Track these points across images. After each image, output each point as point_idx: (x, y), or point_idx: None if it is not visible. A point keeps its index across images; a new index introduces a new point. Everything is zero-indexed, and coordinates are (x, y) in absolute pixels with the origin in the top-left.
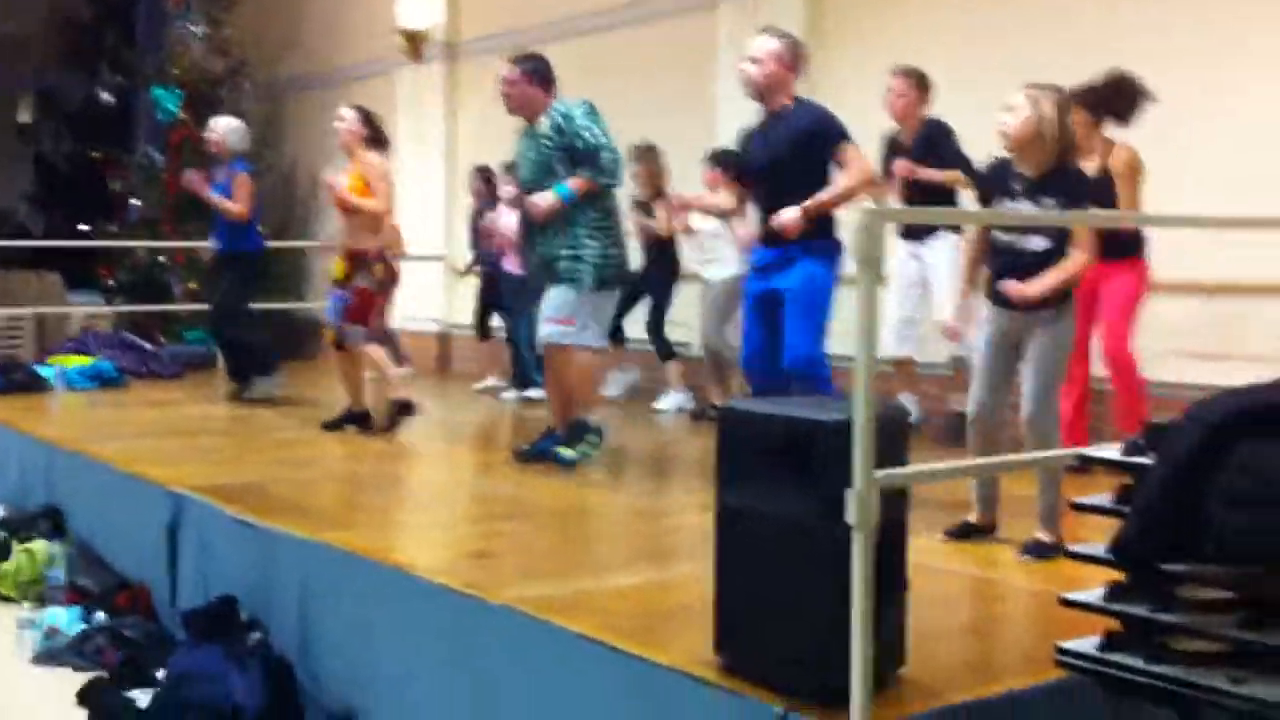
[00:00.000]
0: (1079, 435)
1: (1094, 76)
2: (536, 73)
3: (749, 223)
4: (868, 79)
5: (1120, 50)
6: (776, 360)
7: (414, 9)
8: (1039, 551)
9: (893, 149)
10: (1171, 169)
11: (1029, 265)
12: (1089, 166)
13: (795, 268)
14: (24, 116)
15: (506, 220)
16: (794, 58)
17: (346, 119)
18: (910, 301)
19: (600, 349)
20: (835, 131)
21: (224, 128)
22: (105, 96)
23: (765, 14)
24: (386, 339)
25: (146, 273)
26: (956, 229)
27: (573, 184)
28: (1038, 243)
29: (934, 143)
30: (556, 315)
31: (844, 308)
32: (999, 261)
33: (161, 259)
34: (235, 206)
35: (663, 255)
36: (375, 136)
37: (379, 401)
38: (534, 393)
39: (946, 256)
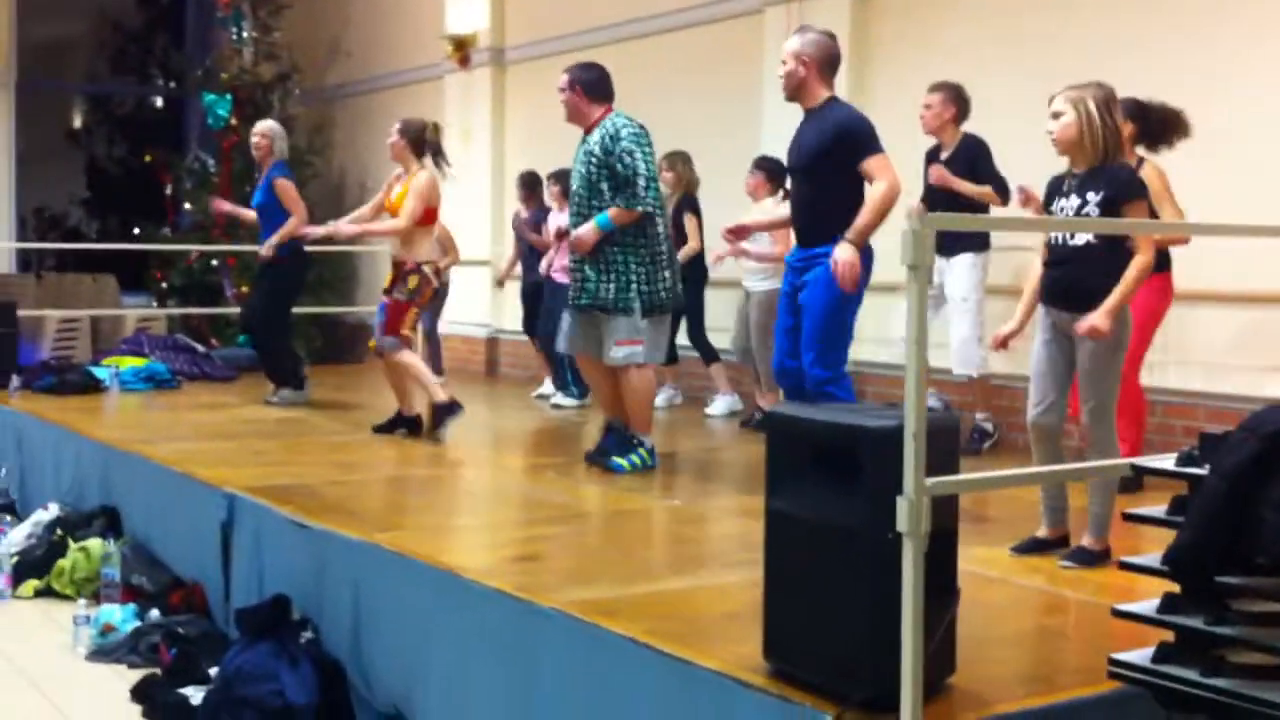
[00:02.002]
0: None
1: (1150, 100)
2: (585, 83)
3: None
4: (916, 83)
5: (1167, 63)
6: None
7: (461, 15)
8: (1083, 559)
9: (931, 162)
10: (1211, 176)
11: (1070, 259)
12: None
13: (814, 274)
14: (76, 121)
15: (555, 224)
16: (821, 55)
17: (394, 133)
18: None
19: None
20: (863, 141)
21: (270, 130)
22: (157, 101)
23: (810, 20)
24: (432, 346)
25: (199, 276)
26: (979, 249)
27: (612, 214)
28: (1080, 237)
29: (972, 160)
30: (623, 338)
31: (874, 315)
32: (1049, 257)
33: (213, 262)
34: (295, 221)
35: (693, 263)
36: (420, 147)
37: (425, 406)
38: (564, 400)
39: (965, 275)
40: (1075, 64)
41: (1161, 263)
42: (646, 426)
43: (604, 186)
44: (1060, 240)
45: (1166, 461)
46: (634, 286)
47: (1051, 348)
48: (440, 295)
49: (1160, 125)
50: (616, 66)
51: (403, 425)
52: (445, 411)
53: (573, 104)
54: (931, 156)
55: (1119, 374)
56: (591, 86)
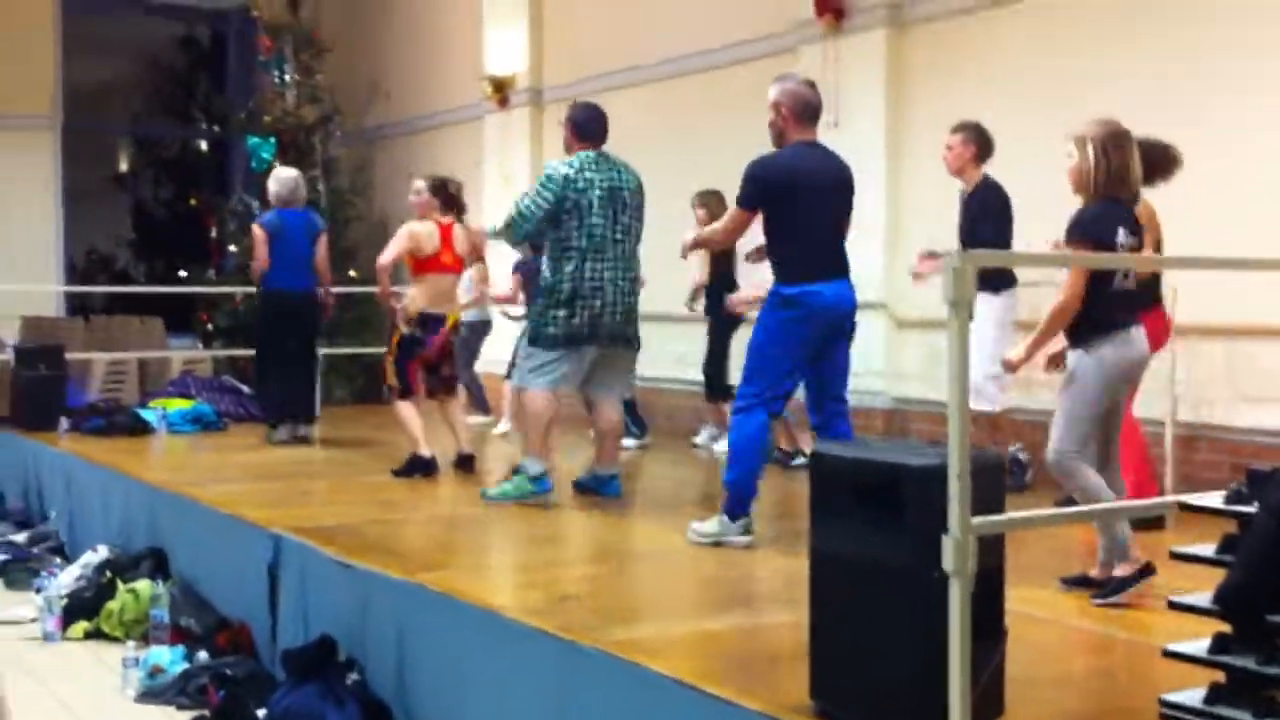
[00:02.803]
0: (1145, 485)
1: (1146, 138)
2: (572, 121)
3: None
4: (952, 112)
5: (1206, 96)
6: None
7: (500, 56)
8: (1108, 591)
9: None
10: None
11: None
12: None
13: None
14: (122, 165)
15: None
16: (797, 104)
17: (419, 190)
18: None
19: (549, 392)
20: (741, 185)
21: (271, 181)
22: (201, 145)
23: (846, 57)
24: (475, 390)
25: (243, 317)
26: (997, 290)
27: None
28: (1059, 277)
29: (987, 205)
30: (521, 360)
31: (919, 352)
32: None
33: (258, 304)
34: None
35: (716, 297)
36: (447, 202)
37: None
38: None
39: (987, 316)
40: (1108, 94)
41: (1146, 301)
42: (534, 448)
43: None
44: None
45: (1215, 499)
46: (532, 313)
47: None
48: (420, 340)
49: (1147, 164)
50: (652, 105)
51: (459, 465)
52: (418, 466)
53: (565, 139)
54: (962, 198)
55: (1081, 420)
56: (579, 126)
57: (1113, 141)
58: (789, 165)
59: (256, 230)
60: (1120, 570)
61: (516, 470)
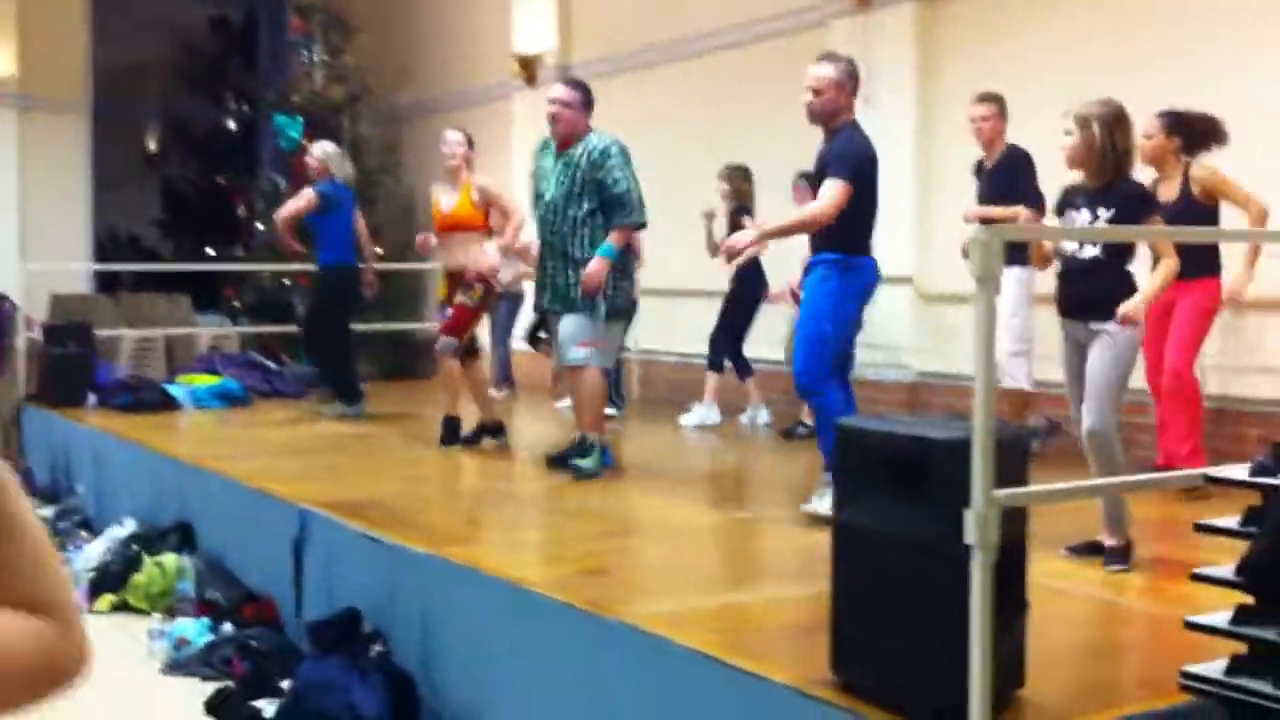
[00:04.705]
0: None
1: (1189, 110)
2: (587, 99)
3: None
4: (981, 89)
5: (1230, 76)
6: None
7: (529, 34)
8: (1114, 558)
9: (980, 175)
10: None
11: (1083, 272)
12: (1169, 187)
13: (809, 278)
14: (151, 145)
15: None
16: (855, 82)
17: (451, 142)
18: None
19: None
20: (835, 164)
21: (320, 151)
22: (230, 124)
23: (876, 32)
24: (501, 355)
25: (270, 294)
26: (1023, 263)
27: (614, 239)
28: (1089, 251)
29: (1013, 174)
30: (586, 340)
31: (938, 326)
32: (1062, 269)
33: (285, 281)
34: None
35: (749, 274)
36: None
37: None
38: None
39: (1010, 289)
40: (1143, 68)
41: (1213, 266)
42: (598, 427)
43: (585, 200)
44: (1071, 253)
45: (1240, 472)
46: (601, 290)
47: (1072, 360)
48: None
49: (1200, 134)
50: (681, 81)
51: (485, 433)
52: (453, 425)
53: (574, 120)
54: (978, 167)
55: (1118, 389)
56: (590, 104)
57: (1115, 122)
58: (872, 145)
59: (310, 195)
60: (1112, 540)
61: (589, 446)
